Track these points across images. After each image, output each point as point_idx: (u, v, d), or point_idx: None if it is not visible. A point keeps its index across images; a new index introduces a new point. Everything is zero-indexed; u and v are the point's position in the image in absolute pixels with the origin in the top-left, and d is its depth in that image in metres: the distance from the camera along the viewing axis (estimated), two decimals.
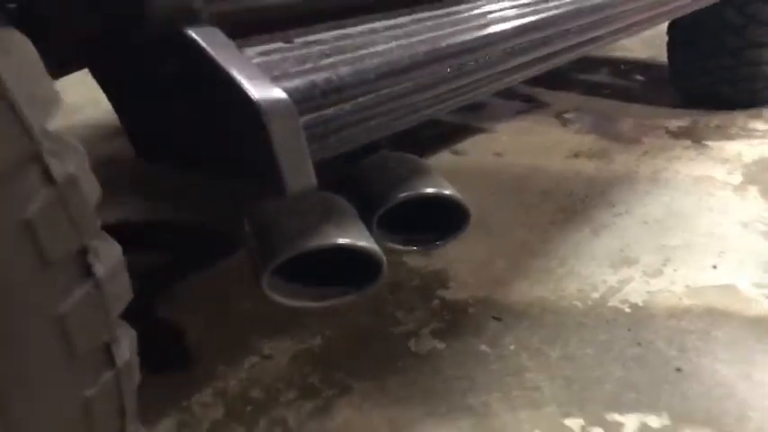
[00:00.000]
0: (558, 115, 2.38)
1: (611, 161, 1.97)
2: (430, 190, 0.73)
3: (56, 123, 0.44)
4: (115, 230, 0.51)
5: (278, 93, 0.53)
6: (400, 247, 0.79)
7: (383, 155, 0.81)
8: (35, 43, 0.57)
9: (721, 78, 2.21)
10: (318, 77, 0.58)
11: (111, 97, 0.67)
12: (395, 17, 0.81)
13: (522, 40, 0.90)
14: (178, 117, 0.61)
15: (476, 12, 0.89)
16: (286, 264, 0.66)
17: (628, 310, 1.28)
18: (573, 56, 1.08)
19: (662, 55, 2.48)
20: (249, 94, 0.49)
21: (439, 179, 0.76)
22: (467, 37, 0.78)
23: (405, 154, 0.81)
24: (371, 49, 0.66)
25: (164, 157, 0.65)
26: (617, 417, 1.02)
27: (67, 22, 0.59)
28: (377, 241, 0.76)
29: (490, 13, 0.89)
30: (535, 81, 2.63)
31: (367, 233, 0.68)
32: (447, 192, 0.73)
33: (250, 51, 0.62)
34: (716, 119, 2.25)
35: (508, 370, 1.13)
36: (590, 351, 1.17)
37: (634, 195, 1.75)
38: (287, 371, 1.15)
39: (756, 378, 1.09)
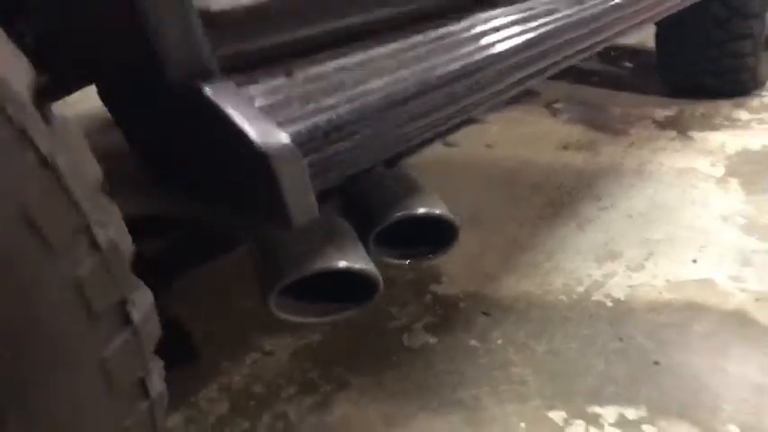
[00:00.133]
0: (548, 105, 2.42)
1: (598, 153, 2.03)
2: (422, 210, 0.79)
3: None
4: None
5: (285, 139, 0.58)
6: (395, 261, 0.84)
7: (379, 172, 0.86)
8: (46, 71, 0.62)
9: (707, 69, 2.26)
10: (320, 119, 0.63)
11: (122, 129, 0.72)
12: (392, 41, 0.85)
13: (516, 59, 0.94)
14: (188, 153, 0.66)
15: (472, 32, 0.93)
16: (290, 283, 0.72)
17: (610, 304, 1.35)
18: (568, 64, 1.13)
19: (650, 41, 2.52)
20: (258, 145, 0.54)
21: (432, 198, 0.81)
22: (463, 62, 0.83)
23: (400, 171, 0.87)
24: (369, 85, 0.70)
25: (174, 187, 0.70)
26: (597, 409, 1.09)
27: (82, 66, 0.64)
28: (374, 256, 0.81)
29: (484, 34, 0.93)
30: None
31: (365, 255, 0.73)
32: (438, 211, 0.79)
33: (254, 90, 0.67)
34: (701, 107, 2.31)
35: (496, 364, 1.20)
36: (574, 345, 1.24)
37: (619, 188, 1.81)
38: (287, 366, 1.21)
39: (730, 371, 1.16)
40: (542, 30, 1.02)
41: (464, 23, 0.96)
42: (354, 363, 1.21)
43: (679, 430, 1.03)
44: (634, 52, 2.95)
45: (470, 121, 2.31)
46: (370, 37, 0.84)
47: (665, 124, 2.22)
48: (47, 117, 0.40)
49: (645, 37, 2.84)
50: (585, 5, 1.13)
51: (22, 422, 0.41)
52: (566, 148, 2.07)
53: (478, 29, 0.95)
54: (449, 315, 1.34)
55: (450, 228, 0.83)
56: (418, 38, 0.88)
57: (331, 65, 0.75)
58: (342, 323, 1.32)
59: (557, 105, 2.42)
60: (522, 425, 1.06)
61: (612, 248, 1.54)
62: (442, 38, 0.89)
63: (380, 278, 0.73)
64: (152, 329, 0.49)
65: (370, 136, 0.70)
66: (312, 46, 0.77)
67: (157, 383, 0.50)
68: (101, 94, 0.70)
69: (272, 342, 1.27)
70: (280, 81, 0.70)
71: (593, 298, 1.37)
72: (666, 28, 2.32)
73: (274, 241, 0.73)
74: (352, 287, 0.77)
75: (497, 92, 0.91)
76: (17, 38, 0.50)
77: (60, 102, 0.58)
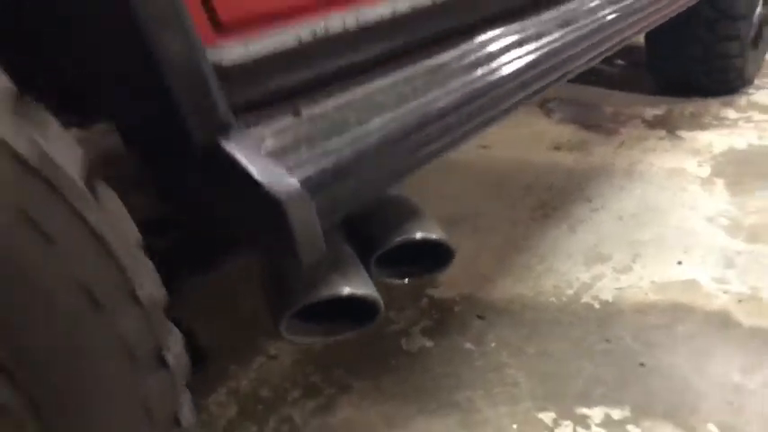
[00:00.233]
0: (542, 105, 2.48)
1: (589, 153, 2.09)
2: (421, 235, 0.85)
3: None
4: None
5: (294, 185, 0.63)
6: (395, 281, 0.91)
7: (380, 198, 0.91)
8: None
9: (695, 69, 2.32)
10: (327, 163, 0.68)
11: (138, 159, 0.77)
12: (393, 72, 0.89)
13: (515, 83, 1.00)
14: (202, 192, 0.71)
15: (473, 58, 0.98)
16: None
17: (598, 306, 1.42)
18: (568, 77, 1.18)
19: (641, 37, 2.57)
20: (273, 193, 0.60)
21: (430, 222, 0.87)
22: (464, 91, 0.88)
23: (400, 196, 0.92)
24: (371, 124, 0.76)
25: (191, 226, 0.75)
26: (585, 410, 1.16)
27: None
28: (375, 277, 0.87)
29: (484, 62, 0.98)
30: None
31: (368, 279, 0.79)
32: (435, 236, 0.85)
33: (264, 130, 0.72)
34: (690, 106, 2.37)
35: (490, 366, 1.26)
36: (564, 347, 1.30)
37: (610, 189, 1.87)
38: (291, 371, 1.27)
39: (711, 371, 1.23)
40: (543, 51, 1.07)
41: (463, 48, 1.00)
42: (355, 366, 1.27)
43: (662, 431, 1.10)
44: (626, 49, 2.99)
45: None
46: (375, 68, 0.88)
47: (654, 123, 2.28)
48: (95, 192, 0.46)
49: None
50: (575, 26, 1.18)
51: None
52: (558, 148, 2.13)
53: (475, 55, 1.00)
54: (445, 319, 1.40)
55: (446, 250, 0.89)
56: (417, 68, 0.93)
57: (335, 102, 0.80)
58: None
59: (550, 105, 2.47)
60: (514, 426, 1.12)
61: (601, 251, 1.60)
62: (442, 67, 0.94)
63: (381, 302, 0.80)
64: (183, 367, 0.55)
65: (374, 173, 0.75)
66: (317, 84, 0.82)
67: (188, 414, 0.56)
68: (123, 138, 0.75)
69: (277, 346, 1.33)
70: (287, 121, 0.75)
71: (583, 300, 1.44)
72: (656, 28, 2.36)
73: (282, 270, 0.78)
74: (356, 306, 0.83)
75: (494, 115, 0.96)
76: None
77: None
